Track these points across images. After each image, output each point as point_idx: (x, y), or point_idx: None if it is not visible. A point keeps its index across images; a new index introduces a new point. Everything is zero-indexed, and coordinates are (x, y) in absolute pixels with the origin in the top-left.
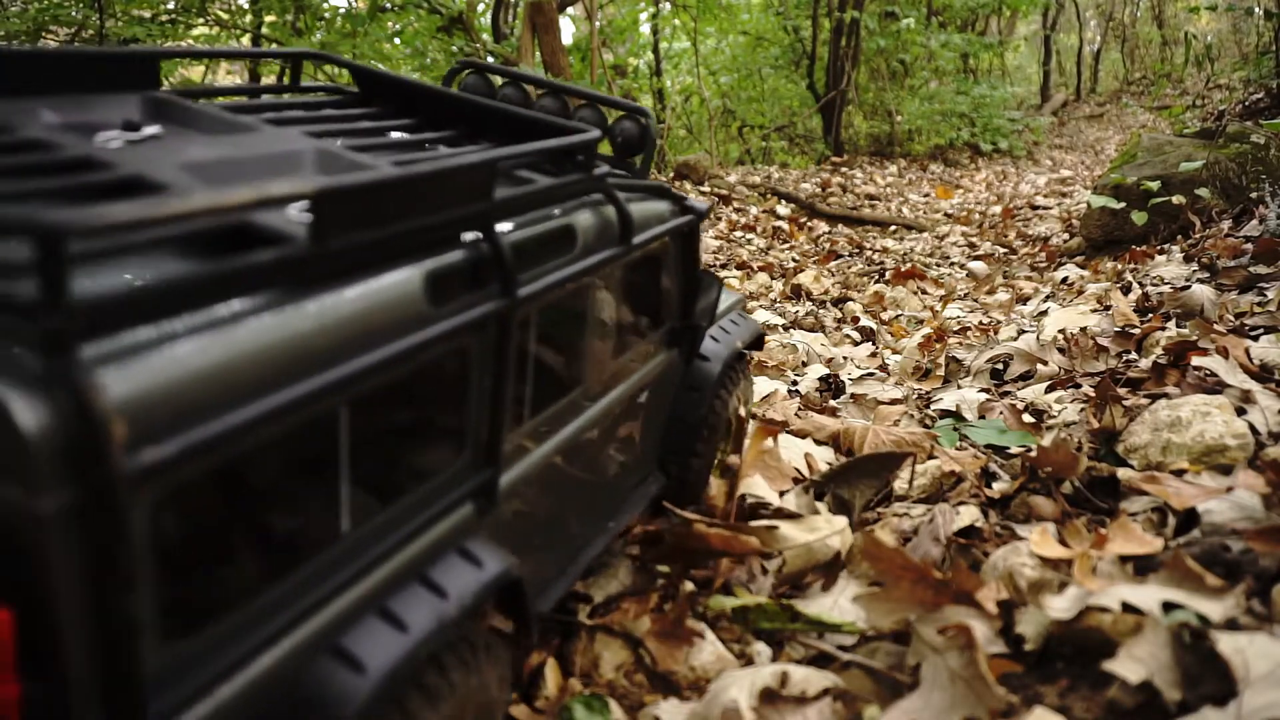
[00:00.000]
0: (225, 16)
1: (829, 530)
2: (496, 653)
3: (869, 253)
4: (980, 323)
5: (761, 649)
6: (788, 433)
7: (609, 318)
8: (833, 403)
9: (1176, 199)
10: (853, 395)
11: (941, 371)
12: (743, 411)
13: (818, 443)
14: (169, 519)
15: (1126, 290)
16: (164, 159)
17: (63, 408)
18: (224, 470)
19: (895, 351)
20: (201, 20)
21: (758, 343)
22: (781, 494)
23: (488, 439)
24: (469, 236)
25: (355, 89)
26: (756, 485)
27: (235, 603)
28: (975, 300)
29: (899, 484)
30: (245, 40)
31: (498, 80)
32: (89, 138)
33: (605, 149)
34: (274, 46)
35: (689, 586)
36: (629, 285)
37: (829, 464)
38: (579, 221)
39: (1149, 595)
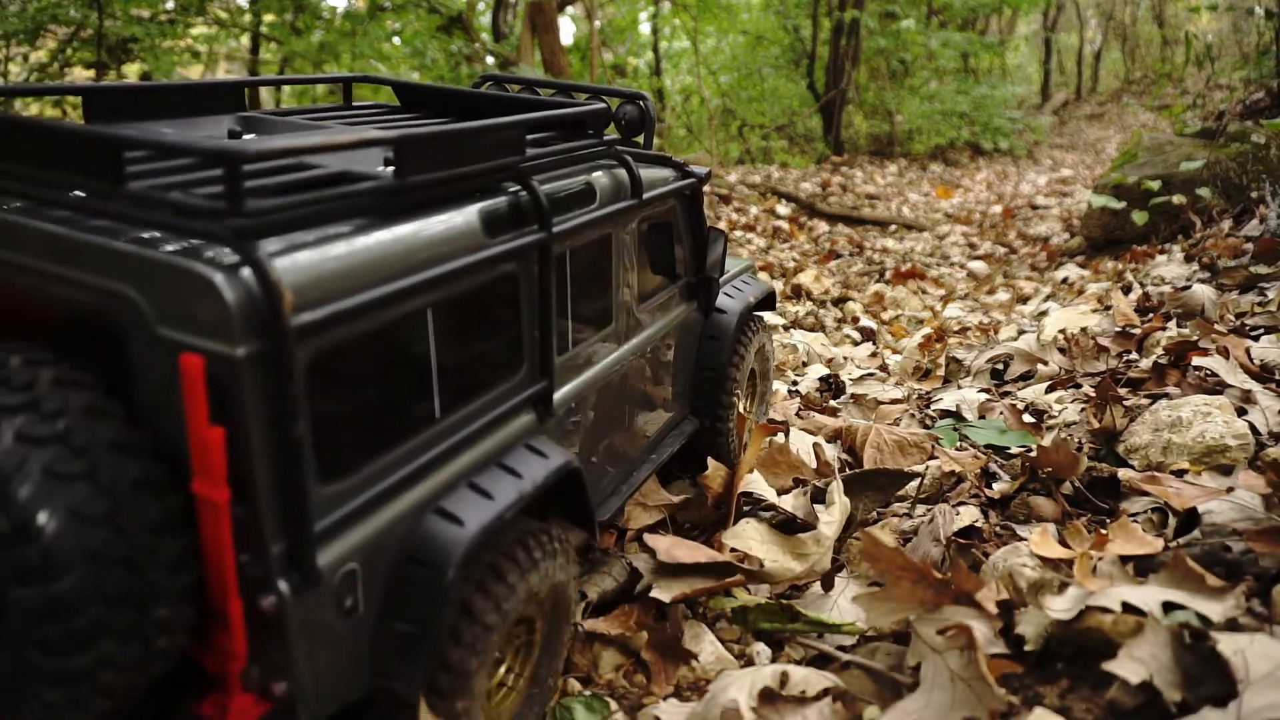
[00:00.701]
0: (224, 16)
1: (817, 552)
2: (565, 539)
3: (869, 252)
4: (980, 323)
5: (761, 649)
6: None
7: (631, 268)
8: (833, 403)
9: (1177, 199)
10: (853, 395)
11: (942, 371)
12: (770, 365)
13: (815, 439)
14: (318, 377)
15: (1127, 290)
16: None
17: (249, 284)
18: (351, 343)
19: (895, 351)
20: (201, 20)
21: (769, 300)
22: (782, 492)
23: (540, 356)
24: (511, 187)
25: (397, 104)
26: (756, 484)
27: (363, 459)
28: (975, 300)
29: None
30: (244, 40)
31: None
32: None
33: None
34: (273, 45)
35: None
36: (647, 241)
37: (840, 458)
38: (597, 180)
39: (1149, 596)
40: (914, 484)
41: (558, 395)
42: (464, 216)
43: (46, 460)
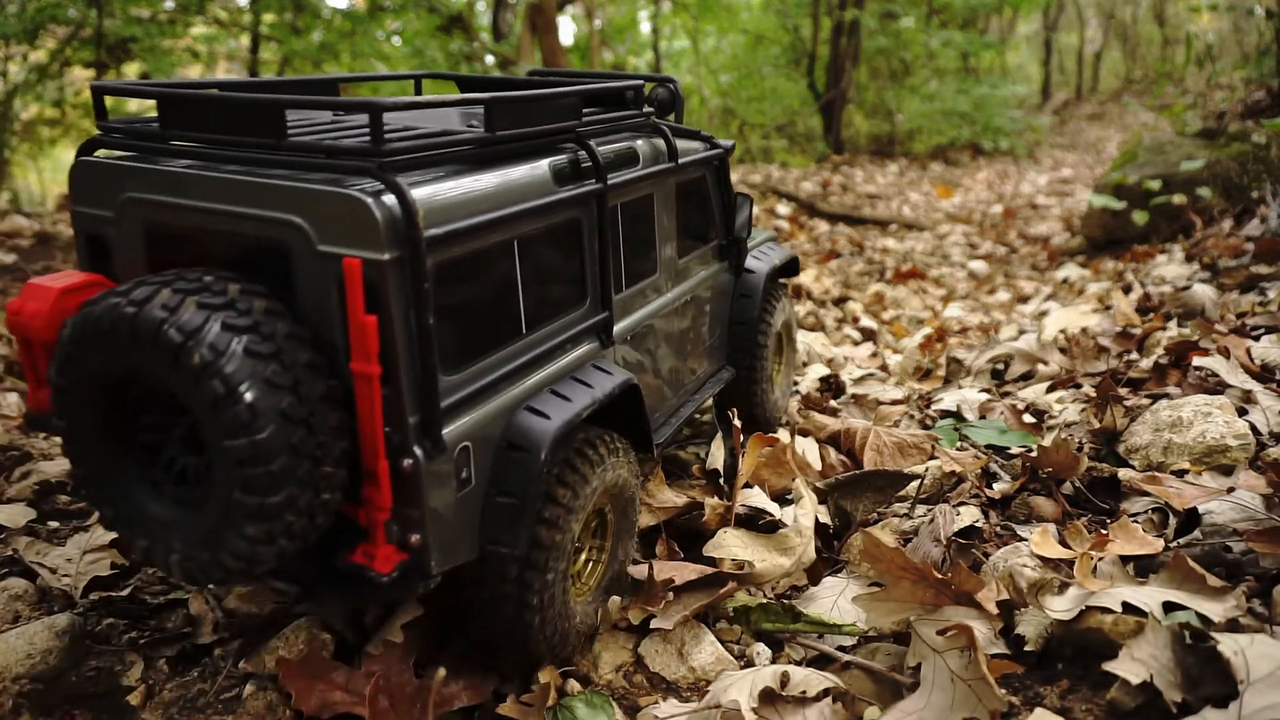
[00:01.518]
0: (224, 16)
1: (801, 543)
2: (627, 449)
3: (869, 252)
4: (981, 323)
5: (761, 649)
6: (798, 432)
7: (671, 225)
8: (833, 403)
9: (1178, 198)
10: (853, 395)
11: (942, 371)
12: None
13: (819, 442)
14: (439, 283)
15: (1127, 290)
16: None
17: (392, 206)
18: (461, 260)
19: (896, 351)
20: (200, 19)
21: (793, 265)
22: (781, 495)
23: (601, 291)
24: (572, 147)
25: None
26: (755, 498)
27: (471, 357)
28: (976, 300)
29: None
30: (244, 39)
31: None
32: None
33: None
34: (273, 45)
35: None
36: (682, 204)
37: (843, 462)
38: (639, 146)
39: (1150, 596)
40: (914, 484)
41: (617, 328)
42: (538, 167)
43: (246, 344)
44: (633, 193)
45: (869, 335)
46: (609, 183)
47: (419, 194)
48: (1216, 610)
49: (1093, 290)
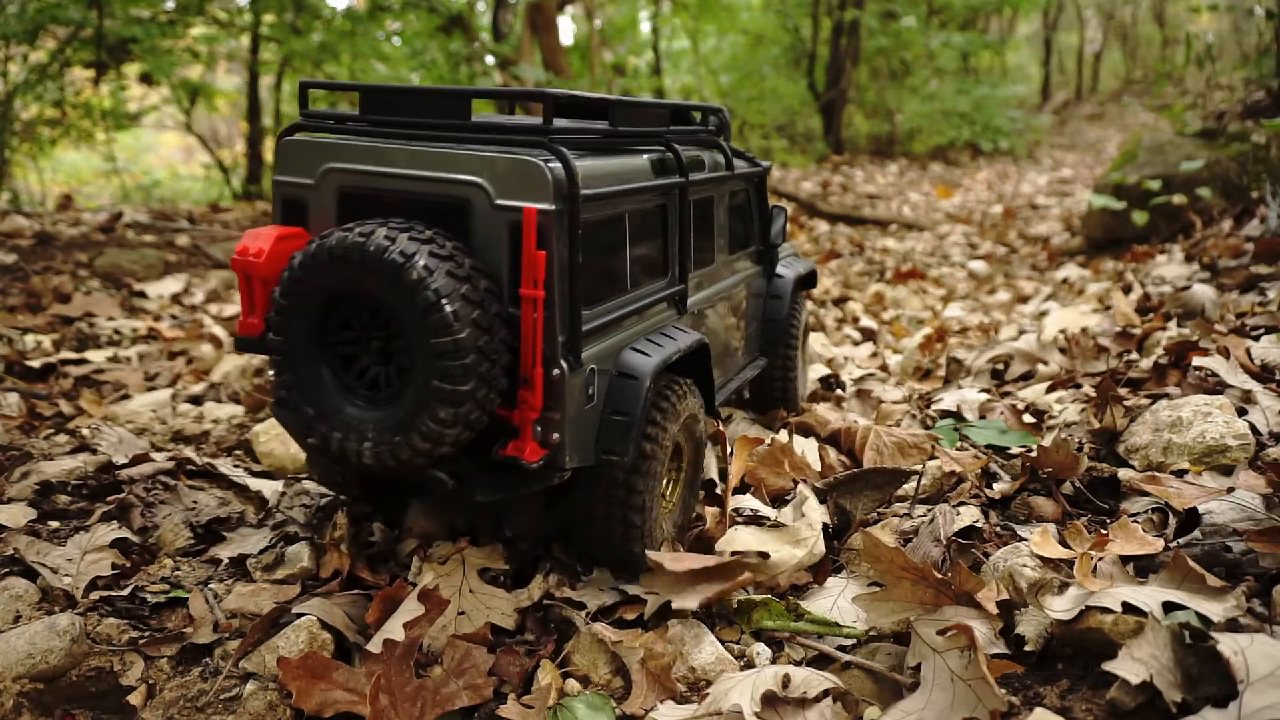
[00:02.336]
0: (224, 16)
1: (812, 536)
2: (697, 394)
3: (869, 252)
4: (981, 323)
5: (761, 649)
6: (798, 432)
7: (725, 226)
8: (839, 392)
9: (1177, 199)
10: (853, 394)
11: (942, 371)
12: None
13: (820, 440)
14: (584, 235)
15: (1127, 290)
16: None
17: (558, 170)
18: (596, 221)
19: (896, 351)
20: (200, 19)
21: (813, 277)
22: (780, 495)
23: (679, 267)
24: (661, 148)
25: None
26: (747, 502)
27: (599, 298)
28: (976, 300)
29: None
30: (244, 40)
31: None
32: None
33: None
34: (273, 45)
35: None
36: (731, 211)
37: (842, 462)
38: (705, 156)
39: (1150, 596)
40: (914, 484)
41: (690, 301)
42: (641, 159)
43: (447, 268)
44: (701, 192)
45: (869, 335)
46: (689, 179)
47: (582, 163)
48: (1216, 610)
49: (1093, 290)
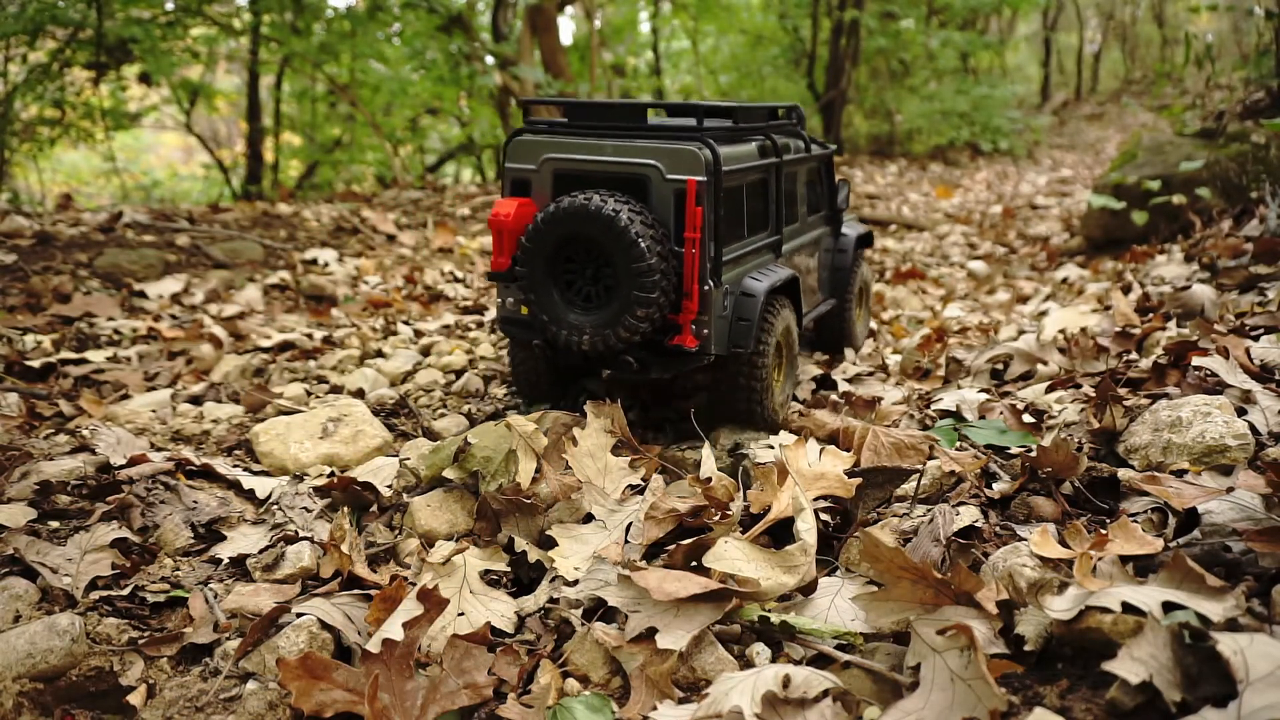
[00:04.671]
0: (224, 17)
1: (805, 562)
2: (790, 310)
3: (869, 252)
4: (980, 323)
5: (761, 649)
6: (795, 432)
7: (805, 194)
8: (842, 385)
9: (1177, 199)
10: (852, 395)
11: (942, 371)
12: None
13: (819, 441)
14: (720, 199)
15: (1127, 290)
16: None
17: (708, 154)
18: (726, 190)
19: (895, 351)
20: (200, 20)
21: (869, 237)
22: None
23: (777, 222)
24: (762, 138)
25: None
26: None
27: (729, 240)
28: (975, 300)
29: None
30: (244, 40)
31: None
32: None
33: None
34: (273, 45)
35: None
36: (809, 184)
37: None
38: (791, 141)
39: (1149, 595)
40: (913, 484)
41: (783, 248)
42: (751, 145)
43: (641, 220)
44: (790, 169)
45: (869, 334)
46: (783, 159)
47: (722, 150)
48: (1216, 610)
49: (1092, 290)
